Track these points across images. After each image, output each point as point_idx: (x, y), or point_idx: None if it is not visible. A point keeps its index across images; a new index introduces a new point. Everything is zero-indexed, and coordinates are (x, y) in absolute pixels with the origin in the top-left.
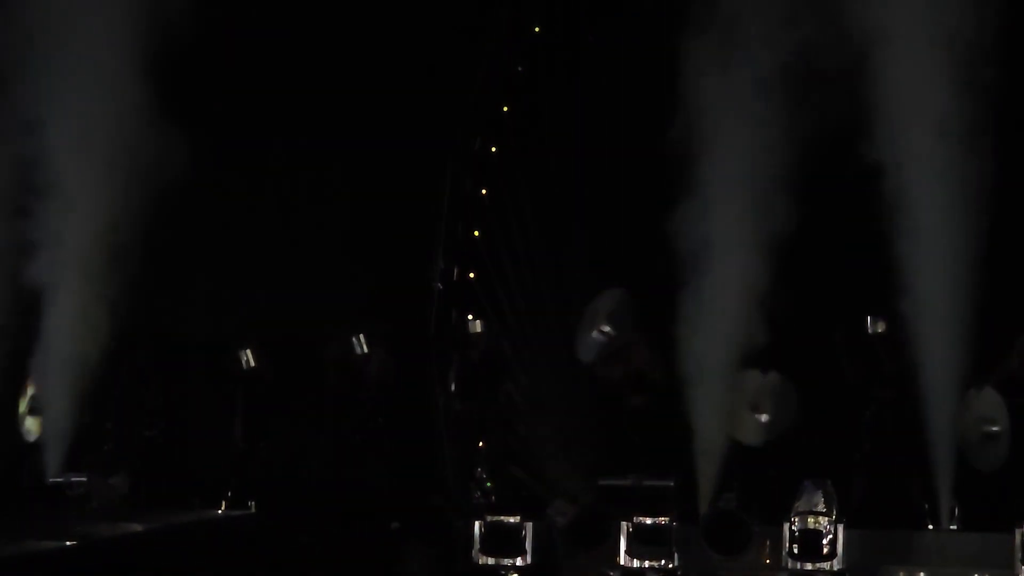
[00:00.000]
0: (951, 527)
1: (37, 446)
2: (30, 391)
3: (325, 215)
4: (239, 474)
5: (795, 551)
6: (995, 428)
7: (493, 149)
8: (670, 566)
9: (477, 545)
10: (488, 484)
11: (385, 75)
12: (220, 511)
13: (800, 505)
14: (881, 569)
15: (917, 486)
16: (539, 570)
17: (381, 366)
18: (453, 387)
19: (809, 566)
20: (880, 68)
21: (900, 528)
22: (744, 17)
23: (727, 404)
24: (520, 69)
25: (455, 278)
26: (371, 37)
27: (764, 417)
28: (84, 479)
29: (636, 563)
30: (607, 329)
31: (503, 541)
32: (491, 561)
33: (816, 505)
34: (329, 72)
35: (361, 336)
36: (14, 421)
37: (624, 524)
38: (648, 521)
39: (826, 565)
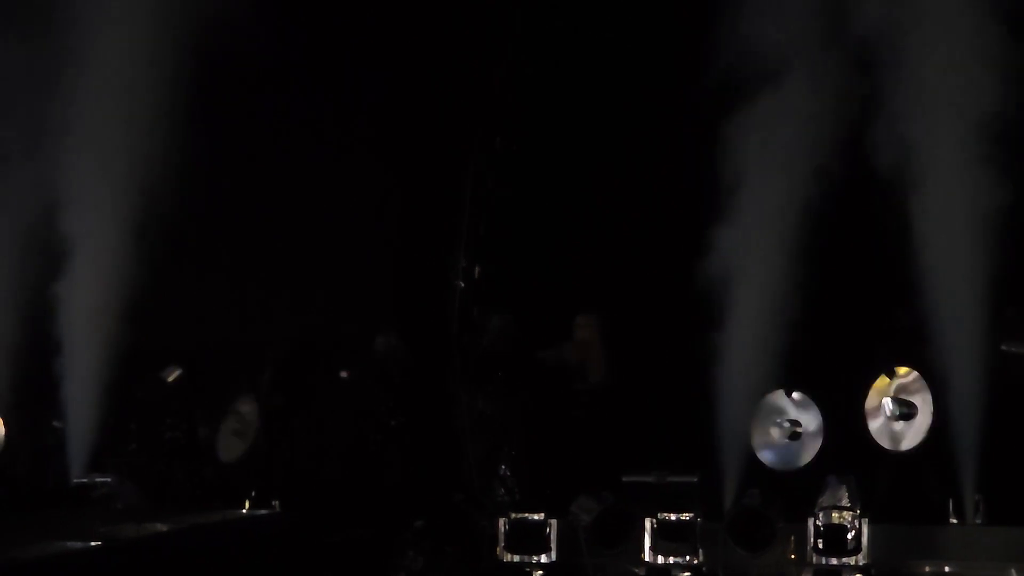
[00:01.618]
0: (976, 521)
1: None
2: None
3: (345, 213)
4: (263, 474)
5: (820, 546)
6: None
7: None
8: (695, 562)
9: (501, 542)
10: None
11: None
12: (244, 511)
13: (824, 500)
14: (906, 564)
15: (941, 481)
16: (564, 567)
17: (402, 363)
18: (475, 384)
19: (834, 561)
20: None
21: (925, 523)
22: None
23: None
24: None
25: (477, 276)
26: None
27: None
28: (108, 480)
29: (661, 559)
30: None
31: (527, 538)
32: (516, 558)
33: (840, 500)
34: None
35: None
36: (37, 422)
37: (648, 520)
38: (672, 517)
39: (851, 560)
